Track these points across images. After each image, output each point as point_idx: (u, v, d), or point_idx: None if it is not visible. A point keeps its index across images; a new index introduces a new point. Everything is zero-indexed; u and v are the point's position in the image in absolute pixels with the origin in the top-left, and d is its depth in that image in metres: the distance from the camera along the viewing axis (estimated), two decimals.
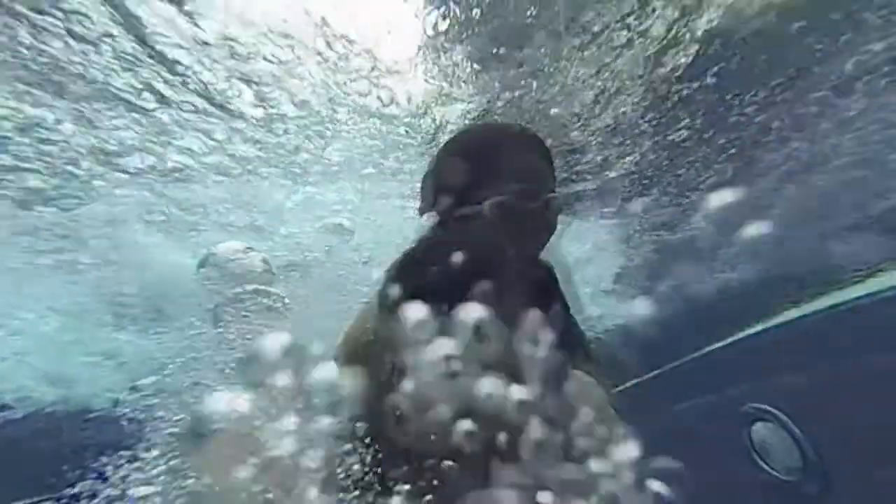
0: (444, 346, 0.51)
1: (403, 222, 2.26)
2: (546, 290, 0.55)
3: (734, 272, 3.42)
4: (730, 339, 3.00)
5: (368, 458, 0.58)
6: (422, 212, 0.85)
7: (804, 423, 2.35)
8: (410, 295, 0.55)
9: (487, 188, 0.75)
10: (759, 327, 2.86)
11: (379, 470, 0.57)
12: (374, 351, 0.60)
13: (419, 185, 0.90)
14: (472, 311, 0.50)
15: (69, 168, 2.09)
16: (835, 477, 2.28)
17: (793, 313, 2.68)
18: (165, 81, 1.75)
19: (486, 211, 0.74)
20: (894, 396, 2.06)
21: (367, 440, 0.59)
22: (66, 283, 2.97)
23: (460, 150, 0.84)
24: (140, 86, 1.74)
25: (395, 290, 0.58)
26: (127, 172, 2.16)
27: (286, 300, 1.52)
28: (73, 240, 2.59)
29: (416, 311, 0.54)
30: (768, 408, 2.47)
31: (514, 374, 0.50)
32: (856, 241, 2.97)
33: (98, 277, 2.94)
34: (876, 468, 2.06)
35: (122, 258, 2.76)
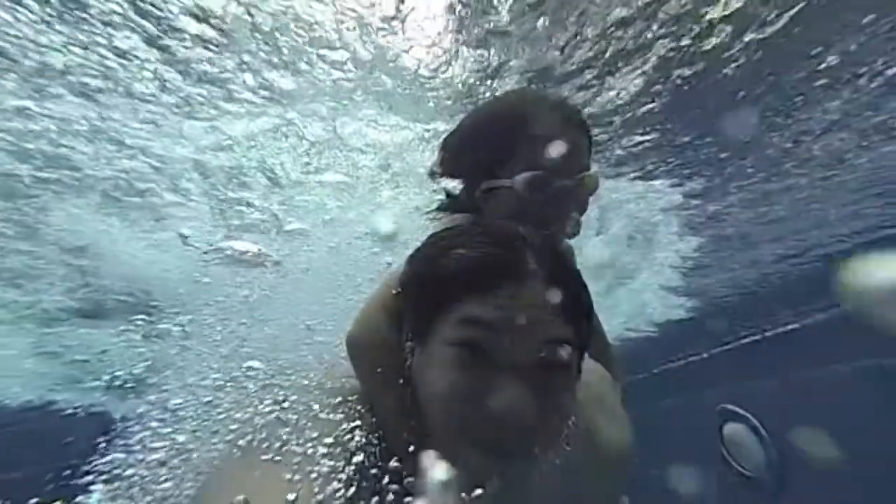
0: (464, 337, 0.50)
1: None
2: (569, 279, 0.54)
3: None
4: (709, 349, 3.17)
5: (379, 449, 0.56)
6: (437, 175, 0.81)
7: (769, 424, 2.50)
8: (433, 284, 0.54)
9: (520, 161, 0.71)
10: (732, 338, 3.04)
11: (389, 459, 0.55)
12: (391, 338, 0.59)
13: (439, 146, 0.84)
14: (491, 304, 0.49)
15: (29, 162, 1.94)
16: (790, 471, 2.43)
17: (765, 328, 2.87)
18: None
19: (518, 186, 0.70)
20: (846, 402, 2.22)
21: (379, 429, 0.57)
22: (24, 281, 2.76)
23: (494, 117, 0.78)
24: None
25: (416, 278, 0.57)
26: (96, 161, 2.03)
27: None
28: (30, 236, 2.41)
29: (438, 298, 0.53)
30: (739, 410, 2.62)
31: (533, 367, 0.49)
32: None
33: (57, 274, 2.75)
34: (826, 465, 2.21)
35: (86, 254, 2.59)
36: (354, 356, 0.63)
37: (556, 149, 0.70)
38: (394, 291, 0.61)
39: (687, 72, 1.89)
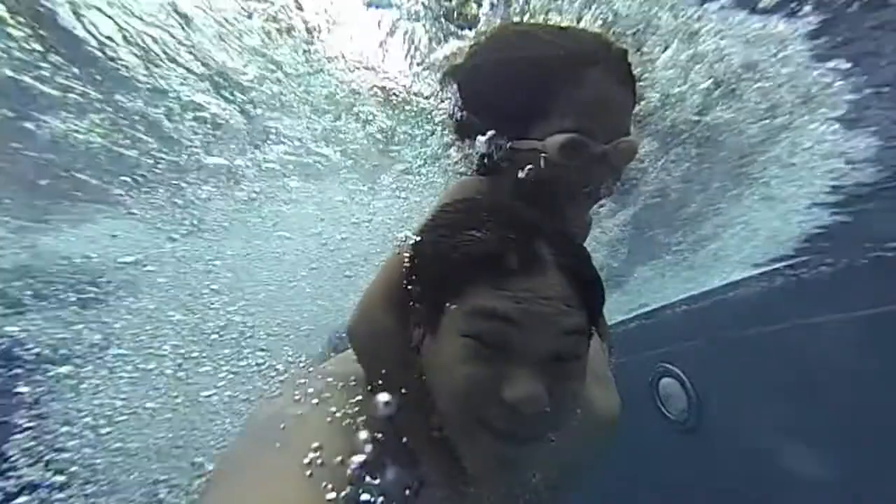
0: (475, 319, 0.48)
1: None
2: (583, 268, 0.53)
3: None
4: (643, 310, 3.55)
5: (391, 433, 0.55)
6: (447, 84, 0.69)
7: (693, 376, 2.94)
8: (444, 271, 0.52)
9: (554, 119, 0.59)
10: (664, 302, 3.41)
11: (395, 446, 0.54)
12: (394, 327, 0.57)
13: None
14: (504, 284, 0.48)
15: None
16: (707, 413, 2.89)
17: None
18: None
19: (550, 149, 0.59)
20: (756, 359, 2.64)
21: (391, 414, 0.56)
22: None
23: (524, 62, 0.61)
24: None
25: (426, 264, 0.55)
26: None
27: None
28: None
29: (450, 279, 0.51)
30: (672, 367, 3.02)
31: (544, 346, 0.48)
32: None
33: None
34: (739, 408, 2.67)
35: None
36: (357, 345, 0.61)
37: (599, 108, 0.59)
38: (400, 275, 0.58)
39: None
